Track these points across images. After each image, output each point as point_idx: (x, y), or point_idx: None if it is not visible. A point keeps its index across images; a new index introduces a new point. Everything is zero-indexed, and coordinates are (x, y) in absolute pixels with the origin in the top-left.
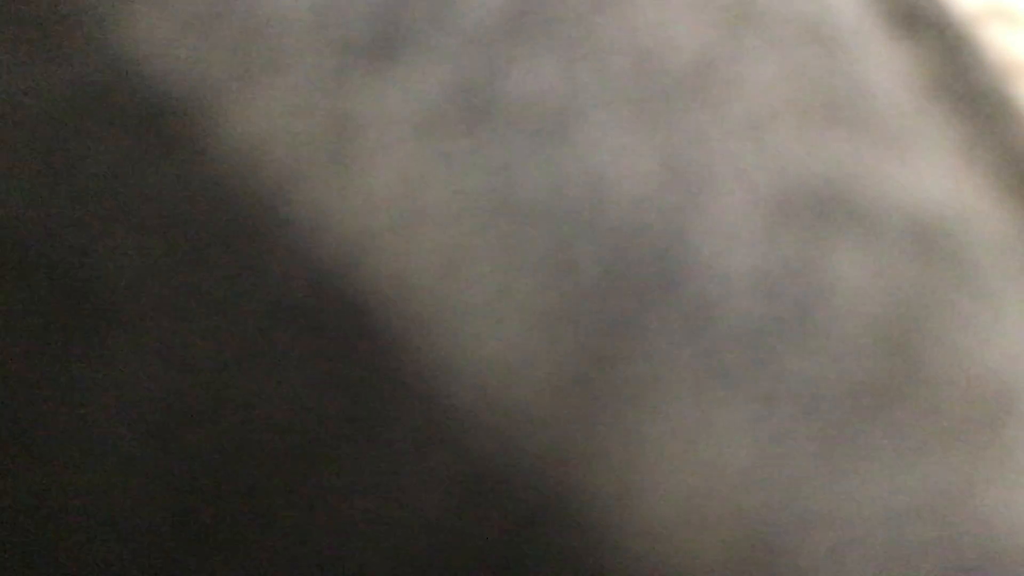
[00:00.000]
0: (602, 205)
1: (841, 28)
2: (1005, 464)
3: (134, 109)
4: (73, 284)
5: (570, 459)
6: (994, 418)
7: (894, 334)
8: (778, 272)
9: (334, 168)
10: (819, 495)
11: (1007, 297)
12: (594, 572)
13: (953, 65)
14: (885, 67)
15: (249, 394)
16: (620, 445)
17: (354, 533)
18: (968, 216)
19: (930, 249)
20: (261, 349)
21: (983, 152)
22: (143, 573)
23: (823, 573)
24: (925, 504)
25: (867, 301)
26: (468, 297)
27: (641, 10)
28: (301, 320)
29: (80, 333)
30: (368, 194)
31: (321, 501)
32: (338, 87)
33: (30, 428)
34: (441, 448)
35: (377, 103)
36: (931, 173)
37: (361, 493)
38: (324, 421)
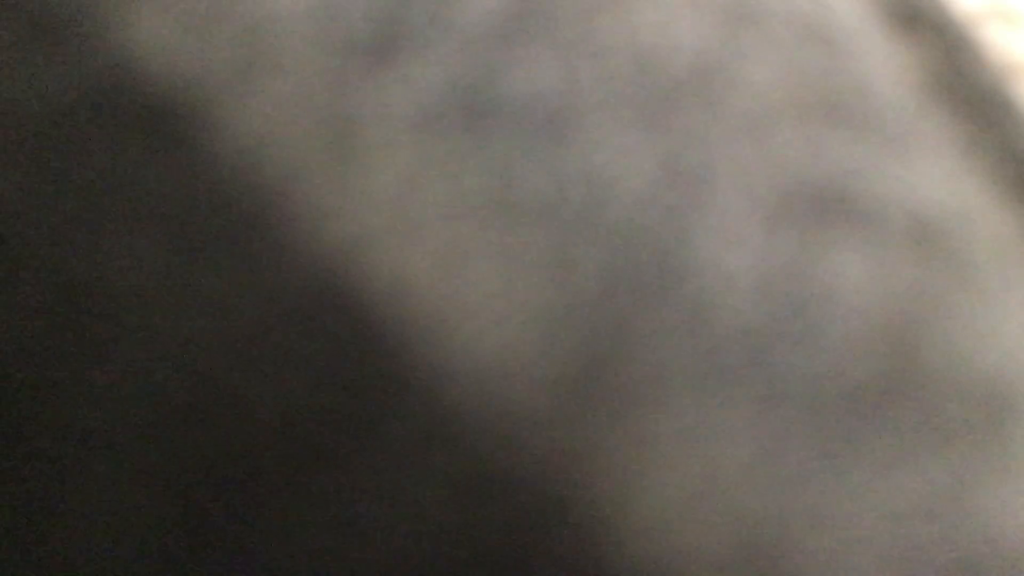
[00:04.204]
0: (602, 205)
1: (841, 28)
2: (1005, 464)
3: (134, 109)
4: (73, 284)
5: (570, 459)
6: (993, 418)
7: (894, 334)
8: (778, 272)
9: (334, 168)
10: (819, 495)
11: (1007, 297)
12: (594, 572)
13: (953, 65)
14: (885, 67)
15: (249, 394)
16: (620, 445)
17: (354, 533)
18: (968, 216)
19: (930, 249)
20: (261, 349)
21: (983, 152)
22: (143, 573)
23: (823, 573)
24: (925, 504)
25: (867, 301)
26: (468, 297)
27: (641, 10)
28: (301, 320)
29: (80, 333)
30: (368, 194)
31: (321, 501)
32: (338, 87)
33: (30, 428)
34: (441, 448)
35: (377, 103)
36: (931, 173)
37: (361, 493)
38: (324, 421)
